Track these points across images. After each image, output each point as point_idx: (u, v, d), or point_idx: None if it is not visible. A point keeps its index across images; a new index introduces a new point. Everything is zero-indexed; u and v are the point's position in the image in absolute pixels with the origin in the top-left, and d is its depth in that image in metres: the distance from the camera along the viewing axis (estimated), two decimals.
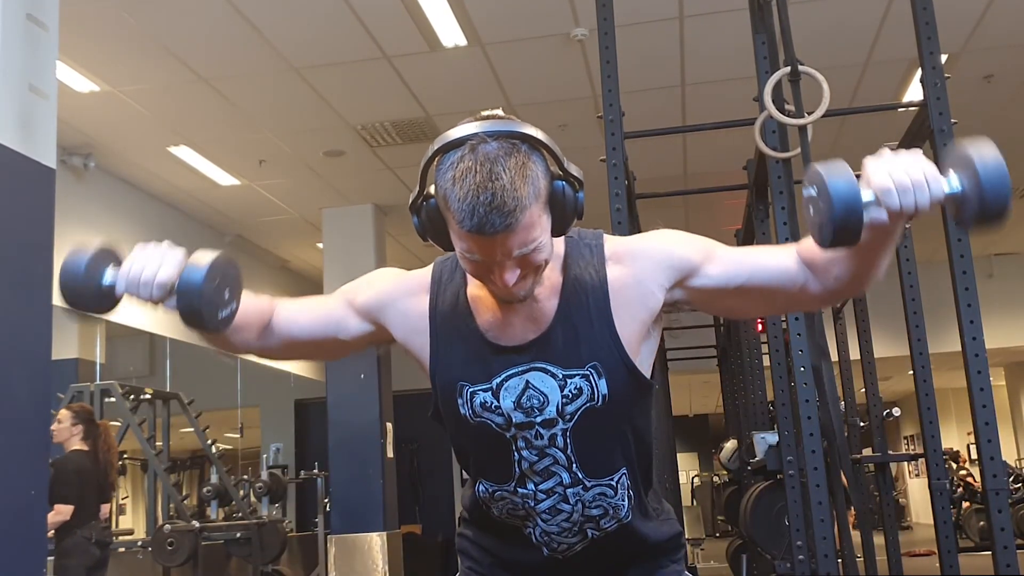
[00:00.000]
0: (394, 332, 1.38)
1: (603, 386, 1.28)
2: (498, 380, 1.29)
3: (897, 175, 1.07)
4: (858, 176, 1.09)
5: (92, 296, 1.19)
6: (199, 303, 1.16)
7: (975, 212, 1.05)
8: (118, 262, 1.21)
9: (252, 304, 1.36)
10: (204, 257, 1.17)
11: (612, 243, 1.34)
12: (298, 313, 1.42)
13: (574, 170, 1.20)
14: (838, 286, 1.26)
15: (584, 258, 1.31)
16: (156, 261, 1.18)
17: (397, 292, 1.37)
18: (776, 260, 1.30)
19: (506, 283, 1.18)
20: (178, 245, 1.21)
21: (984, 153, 1.05)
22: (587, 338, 1.28)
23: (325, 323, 1.40)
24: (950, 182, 1.07)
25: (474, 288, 1.32)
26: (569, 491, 1.32)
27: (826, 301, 1.32)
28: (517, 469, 1.32)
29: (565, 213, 1.19)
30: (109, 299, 1.21)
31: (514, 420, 1.30)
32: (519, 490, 1.34)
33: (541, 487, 1.33)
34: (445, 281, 1.35)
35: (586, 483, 1.32)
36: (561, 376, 1.28)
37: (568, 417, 1.29)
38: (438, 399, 1.35)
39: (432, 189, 1.19)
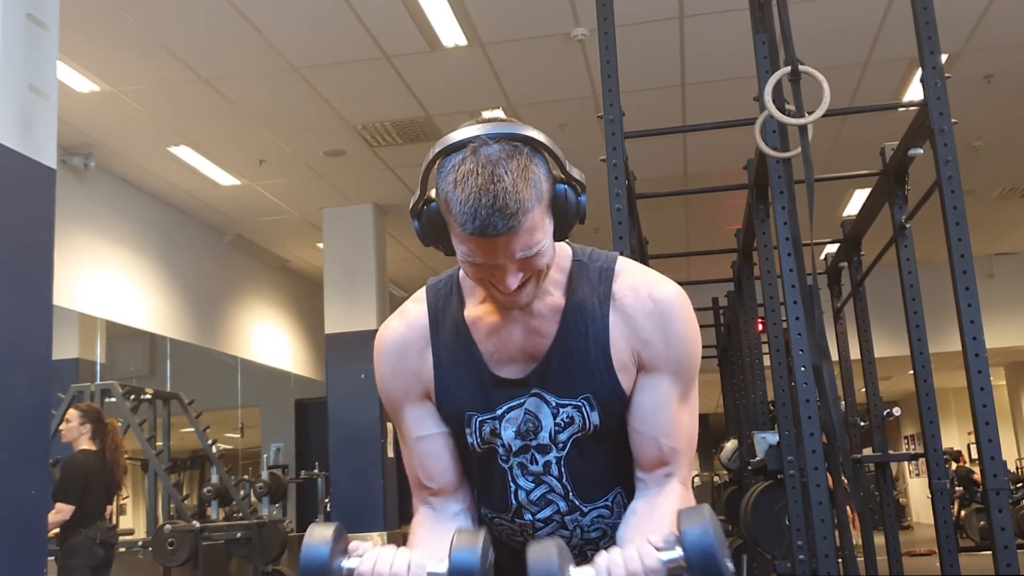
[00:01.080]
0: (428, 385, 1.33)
1: (595, 417, 1.27)
2: (500, 411, 1.29)
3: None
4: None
5: None
6: None
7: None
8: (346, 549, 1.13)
9: (432, 529, 1.32)
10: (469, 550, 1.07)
11: (622, 285, 1.28)
12: (435, 470, 1.34)
13: (576, 173, 1.18)
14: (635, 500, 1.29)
15: (591, 283, 1.28)
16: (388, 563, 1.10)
17: (414, 359, 1.32)
18: (650, 450, 1.27)
19: (508, 287, 1.16)
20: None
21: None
22: (582, 369, 1.25)
23: (440, 439, 1.33)
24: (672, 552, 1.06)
25: (472, 309, 1.30)
26: (567, 518, 1.32)
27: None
28: (514, 500, 1.32)
29: (567, 216, 1.17)
30: None
31: (513, 448, 1.29)
32: (517, 520, 1.33)
33: (539, 516, 1.32)
34: (441, 307, 1.32)
35: (583, 508, 1.32)
36: (554, 404, 1.27)
37: (561, 445, 1.28)
38: None
39: (433, 193, 1.17)
